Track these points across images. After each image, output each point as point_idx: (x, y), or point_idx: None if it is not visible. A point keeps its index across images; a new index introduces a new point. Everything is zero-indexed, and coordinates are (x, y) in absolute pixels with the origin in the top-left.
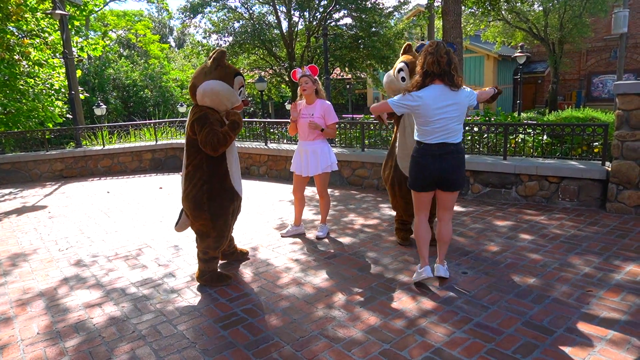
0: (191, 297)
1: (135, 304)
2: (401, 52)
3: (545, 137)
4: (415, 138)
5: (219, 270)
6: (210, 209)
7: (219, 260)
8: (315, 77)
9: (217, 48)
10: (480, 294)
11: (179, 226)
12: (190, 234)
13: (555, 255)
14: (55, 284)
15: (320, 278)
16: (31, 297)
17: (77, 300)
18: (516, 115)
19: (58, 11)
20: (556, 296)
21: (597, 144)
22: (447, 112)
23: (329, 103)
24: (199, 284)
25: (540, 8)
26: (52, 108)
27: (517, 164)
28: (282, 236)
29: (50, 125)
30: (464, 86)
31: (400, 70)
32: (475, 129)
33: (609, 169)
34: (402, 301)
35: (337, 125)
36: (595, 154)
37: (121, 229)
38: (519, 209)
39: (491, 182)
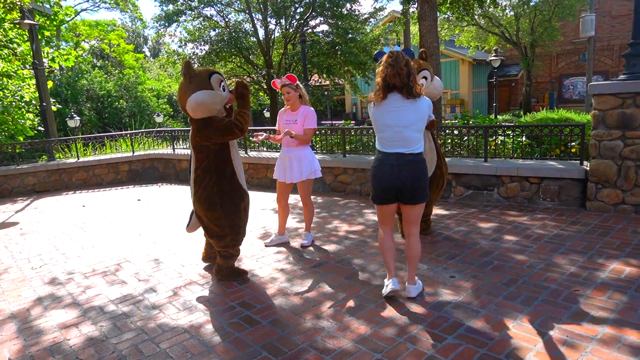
0: (174, 312)
1: (114, 322)
2: None
3: (524, 138)
4: (376, 146)
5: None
6: (223, 208)
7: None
8: (297, 83)
9: (185, 59)
10: (469, 298)
11: (191, 227)
12: (170, 247)
13: (541, 256)
14: (28, 304)
15: (306, 288)
16: (2, 319)
17: (51, 321)
18: (493, 118)
19: (27, 21)
20: (545, 297)
21: (574, 144)
22: (402, 121)
23: (312, 109)
24: (180, 298)
25: (512, 13)
26: (22, 121)
27: (498, 166)
28: (265, 245)
29: (21, 139)
30: (423, 95)
31: None
32: (456, 132)
33: (588, 168)
34: (391, 309)
35: (317, 131)
36: (572, 154)
37: (98, 244)
38: (501, 211)
39: (473, 185)
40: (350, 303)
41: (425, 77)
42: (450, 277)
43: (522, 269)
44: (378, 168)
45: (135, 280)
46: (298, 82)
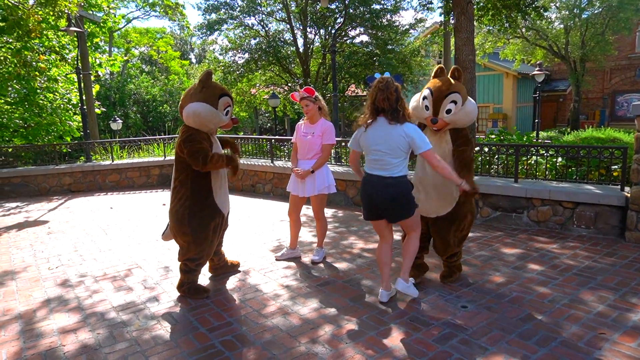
0: (170, 325)
1: (111, 330)
2: (432, 75)
3: (560, 159)
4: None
5: (199, 283)
6: (190, 225)
7: (199, 274)
8: (315, 95)
9: (208, 69)
10: (479, 333)
11: (165, 236)
12: None
13: (566, 290)
14: (36, 305)
15: (308, 308)
16: (9, 319)
17: (53, 324)
18: (533, 135)
19: (73, 28)
20: (564, 338)
21: (615, 167)
22: (382, 145)
23: (331, 123)
24: (180, 310)
25: (561, 25)
26: (70, 122)
27: (529, 187)
28: (276, 259)
29: (69, 139)
30: (416, 126)
31: (424, 98)
32: (486, 149)
33: (629, 194)
34: (393, 338)
35: (345, 144)
36: (613, 178)
37: (115, 247)
38: (529, 236)
39: (501, 206)
40: (351, 327)
41: (454, 102)
42: (461, 307)
43: (543, 304)
44: (362, 188)
45: (141, 288)
46: (317, 94)
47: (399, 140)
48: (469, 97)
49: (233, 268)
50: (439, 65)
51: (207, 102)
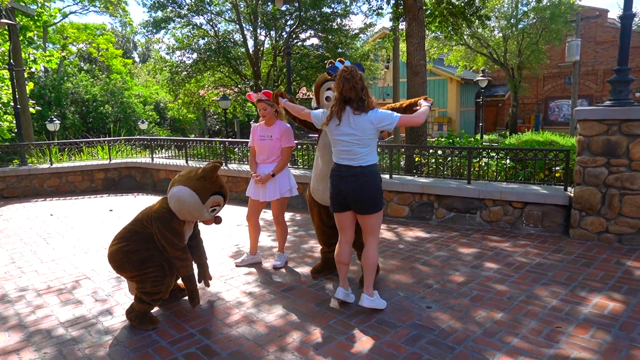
0: (127, 339)
1: (60, 349)
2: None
3: (508, 161)
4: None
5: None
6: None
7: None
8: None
9: (218, 162)
10: (445, 332)
11: None
12: None
13: (522, 287)
14: None
15: (274, 315)
16: None
17: None
18: (479, 138)
19: (3, 20)
20: (525, 333)
21: (558, 168)
22: (349, 136)
23: (289, 125)
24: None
25: (500, 34)
26: (0, 122)
27: (482, 189)
28: (236, 265)
29: None
30: (378, 108)
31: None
32: (440, 152)
33: (572, 194)
34: (362, 342)
35: (300, 146)
36: (557, 178)
37: (59, 258)
38: (483, 235)
39: (456, 207)
40: (319, 334)
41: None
42: (426, 308)
43: (502, 301)
44: (332, 177)
45: (91, 300)
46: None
47: (367, 129)
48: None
49: (183, 292)
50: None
51: (198, 192)
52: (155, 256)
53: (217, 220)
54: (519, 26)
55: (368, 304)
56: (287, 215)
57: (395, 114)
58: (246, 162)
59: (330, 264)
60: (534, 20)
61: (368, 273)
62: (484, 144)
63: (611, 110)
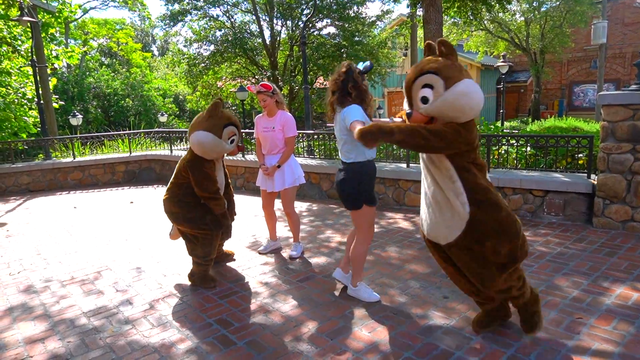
0: (147, 329)
1: (83, 338)
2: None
3: (529, 148)
4: None
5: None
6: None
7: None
8: (272, 89)
9: (218, 98)
10: (462, 323)
11: (173, 234)
12: (155, 255)
13: (542, 277)
14: None
15: (289, 305)
16: None
17: (18, 334)
18: (499, 125)
19: (25, 18)
20: (545, 325)
21: (581, 155)
22: (335, 132)
23: (290, 115)
24: (156, 312)
25: (522, 18)
26: (25, 118)
27: (501, 177)
28: (259, 253)
29: (24, 136)
30: (357, 106)
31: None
32: None
33: (595, 182)
34: (377, 332)
35: (316, 136)
36: (580, 165)
37: (82, 249)
38: None
39: None
40: (334, 324)
41: (429, 85)
42: (443, 298)
43: None
44: None
45: (112, 291)
46: (275, 87)
47: (339, 125)
48: (464, 79)
49: (227, 257)
50: (427, 42)
51: (211, 131)
52: (199, 216)
53: (240, 148)
54: (542, 9)
55: (350, 293)
56: (304, 205)
57: (354, 117)
58: None
59: (493, 313)
60: (558, 3)
61: (353, 266)
62: (504, 131)
63: (637, 95)
